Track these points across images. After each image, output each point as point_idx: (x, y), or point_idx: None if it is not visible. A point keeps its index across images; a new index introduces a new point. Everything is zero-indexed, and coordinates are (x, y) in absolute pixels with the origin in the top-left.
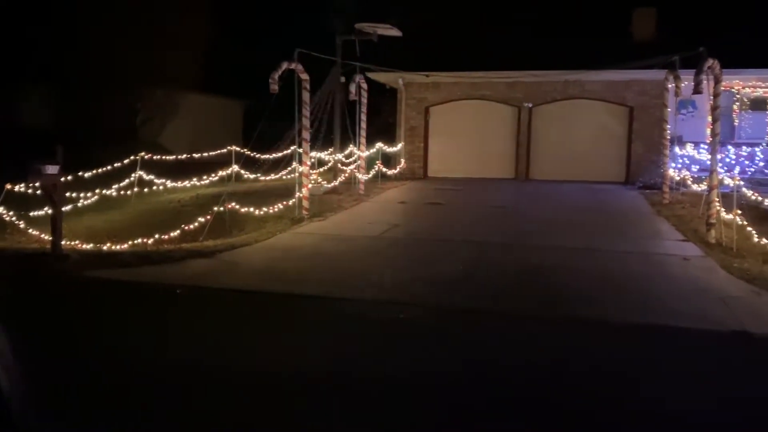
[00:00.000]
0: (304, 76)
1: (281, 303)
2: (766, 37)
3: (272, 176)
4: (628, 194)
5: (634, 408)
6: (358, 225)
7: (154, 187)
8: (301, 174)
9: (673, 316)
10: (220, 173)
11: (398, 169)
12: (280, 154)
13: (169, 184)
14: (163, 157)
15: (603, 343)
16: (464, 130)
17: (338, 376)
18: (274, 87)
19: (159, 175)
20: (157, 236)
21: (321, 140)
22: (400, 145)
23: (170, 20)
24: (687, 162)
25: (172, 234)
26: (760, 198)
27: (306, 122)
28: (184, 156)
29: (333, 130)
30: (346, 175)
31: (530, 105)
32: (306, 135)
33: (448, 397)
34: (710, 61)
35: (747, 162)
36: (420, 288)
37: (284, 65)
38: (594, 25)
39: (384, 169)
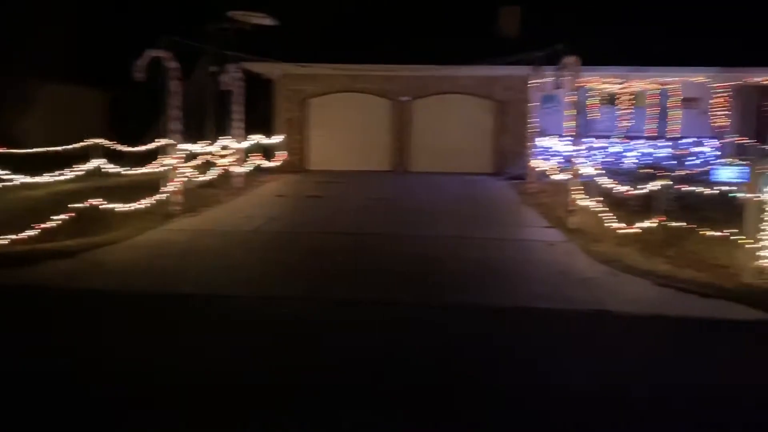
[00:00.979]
0: (172, 65)
1: (149, 303)
2: (617, 37)
3: (141, 170)
4: (498, 185)
5: (509, 383)
6: (233, 220)
7: (7, 183)
8: (171, 167)
9: (540, 298)
10: (83, 167)
11: (277, 162)
12: (149, 147)
13: (25, 179)
14: (16, 150)
15: (479, 327)
16: (344, 122)
17: (210, 376)
18: (139, 76)
19: (15, 171)
20: (12, 236)
21: (194, 132)
22: (279, 138)
23: (24, 2)
24: (550, 153)
25: (28, 233)
26: (612, 186)
27: (175, 113)
28: (42, 149)
29: (206, 122)
30: (222, 168)
31: (407, 99)
32: (175, 126)
33: (337, 391)
34: (569, 59)
35: (602, 152)
36: (299, 282)
37: (150, 53)
38: (464, 23)
39: (262, 162)
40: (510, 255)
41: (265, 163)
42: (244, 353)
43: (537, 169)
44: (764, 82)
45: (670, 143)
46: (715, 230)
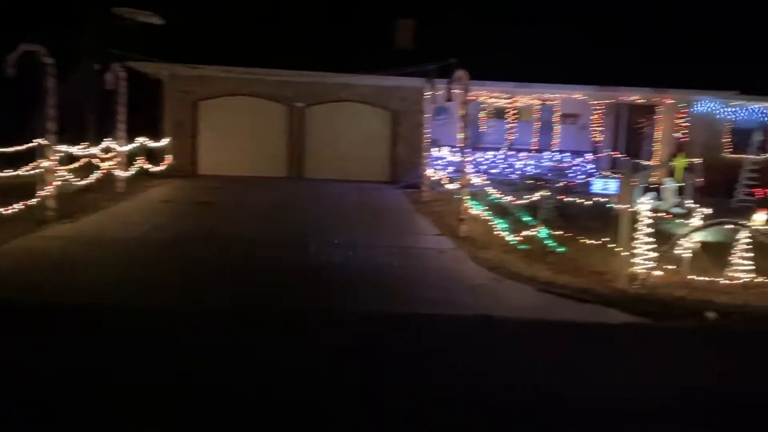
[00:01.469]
0: (48, 60)
1: (16, 314)
2: (505, 55)
3: (12, 173)
4: (392, 193)
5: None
6: (114, 227)
7: None
8: (45, 169)
9: (430, 304)
10: None
11: (164, 166)
12: (22, 148)
13: None
14: None
15: (366, 333)
16: (237, 126)
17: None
18: (10, 71)
19: None
20: None
21: (75, 133)
22: (166, 141)
23: None
24: (443, 163)
25: None
26: (499, 196)
27: (52, 112)
28: None
29: (88, 123)
30: (103, 171)
31: (303, 105)
32: (52, 126)
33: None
34: (460, 72)
35: (491, 163)
36: (182, 291)
37: (23, 48)
38: (360, 33)
39: (147, 166)
40: (401, 262)
41: (152, 167)
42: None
43: (431, 179)
44: (635, 101)
45: (553, 156)
46: (592, 239)
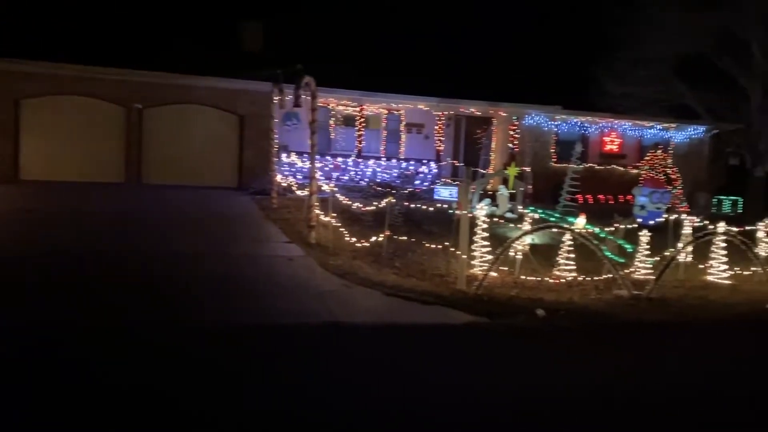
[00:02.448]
0: None
1: None
2: (353, 63)
3: None
4: (240, 200)
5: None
6: None
7: None
8: None
9: (279, 314)
10: None
11: None
12: None
13: None
14: None
15: (210, 346)
16: (67, 128)
17: None
18: None
19: None
20: None
21: None
22: None
23: None
24: (293, 170)
25: None
26: (349, 202)
27: None
28: None
29: None
30: None
31: (140, 106)
32: None
33: None
34: (307, 78)
35: (341, 170)
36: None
37: None
38: (205, 33)
39: None
40: (249, 271)
41: None
42: None
43: (280, 185)
44: (474, 113)
45: (401, 164)
46: (436, 243)
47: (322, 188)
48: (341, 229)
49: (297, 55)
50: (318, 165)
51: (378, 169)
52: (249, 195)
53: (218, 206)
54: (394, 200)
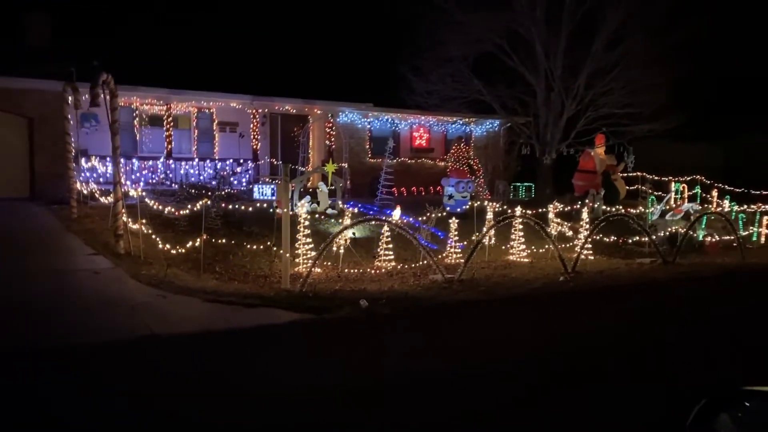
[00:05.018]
0: None
1: None
2: (158, 59)
3: None
4: (34, 211)
5: None
6: None
7: None
8: None
9: (87, 332)
10: None
11: None
12: None
13: None
14: None
15: (7, 375)
16: None
17: None
18: None
19: None
20: None
21: None
22: None
23: None
24: (95, 175)
25: None
26: (161, 207)
27: None
28: None
29: None
30: None
31: None
32: None
33: None
34: (105, 76)
35: (151, 174)
36: None
37: None
38: None
39: None
40: (49, 289)
41: None
42: None
43: (81, 193)
44: (290, 111)
45: (216, 164)
46: (257, 244)
47: (130, 193)
48: (153, 237)
49: (92, 50)
50: (123, 169)
51: (191, 171)
52: (44, 205)
53: (7, 219)
54: (210, 202)
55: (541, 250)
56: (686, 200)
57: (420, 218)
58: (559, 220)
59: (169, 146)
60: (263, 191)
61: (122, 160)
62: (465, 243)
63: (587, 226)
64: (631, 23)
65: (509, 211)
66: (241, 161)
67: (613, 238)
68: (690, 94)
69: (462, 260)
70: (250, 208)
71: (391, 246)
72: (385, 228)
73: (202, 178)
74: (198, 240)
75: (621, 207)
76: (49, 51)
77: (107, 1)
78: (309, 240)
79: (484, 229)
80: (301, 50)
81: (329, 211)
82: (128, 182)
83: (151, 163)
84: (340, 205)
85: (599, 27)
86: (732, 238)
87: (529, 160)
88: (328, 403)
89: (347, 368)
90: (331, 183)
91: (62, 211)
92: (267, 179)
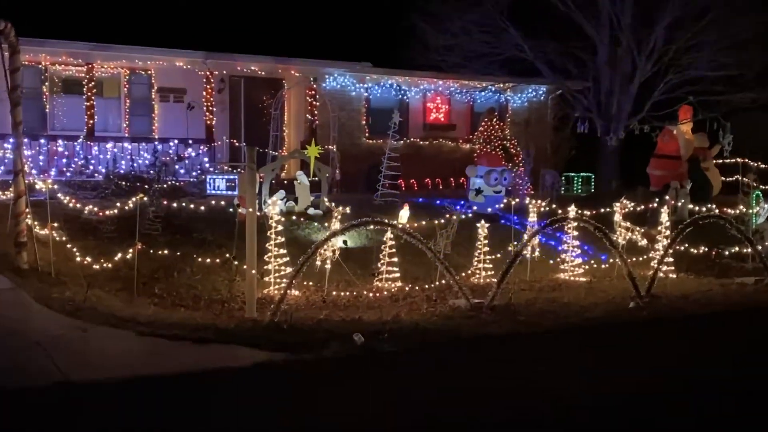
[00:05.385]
0: None
1: None
2: (75, 4)
3: None
4: None
5: None
6: None
7: None
8: None
9: None
10: None
11: None
12: None
13: None
14: None
15: None
16: None
17: None
18: None
19: None
20: None
21: None
22: None
23: None
24: None
25: None
26: (80, 206)
27: None
28: None
29: None
30: None
31: None
32: None
33: None
34: (2, 24)
35: (65, 159)
36: None
37: None
38: None
39: None
40: None
41: None
42: None
43: None
44: (258, 74)
45: (156, 146)
46: (212, 256)
47: (36, 187)
48: (69, 246)
49: None
50: (27, 153)
51: (121, 155)
52: None
53: None
54: (148, 199)
55: (603, 266)
56: None
57: (436, 221)
58: (628, 225)
59: (91, 122)
60: (220, 184)
61: (26, 141)
62: (498, 256)
63: (667, 232)
64: None
65: (559, 212)
66: (191, 142)
67: (703, 249)
68: None
69: (494, 279)
70: (203, 207)
71: (396, 259)
72: (389, 234)
73: (136, 165)
74: (131, 251)
75: (714, 206)
76: None
77: None
78: (283, 251)
79: (525, 237)
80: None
81: (311, 211)
82: (34, 171)
83: (65, 144)
84: (327, 203)
85: None
86: None
87: (587, 141)
88: None
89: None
90: (314, 173)
91: None
92: (226, 167)
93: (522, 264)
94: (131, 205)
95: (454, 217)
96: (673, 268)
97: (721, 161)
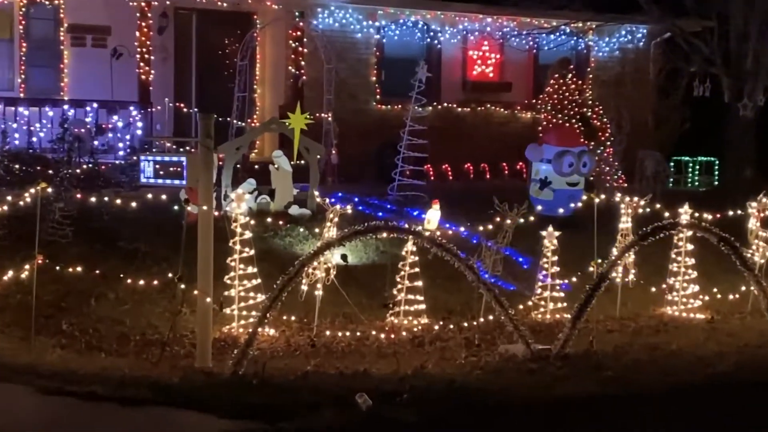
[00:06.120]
0: None
1: None
2: None
3: None
4: None
5: None
6: None
7: None
8: None
9: None
10: None
11: None
12: None
13: None
14: None
15: None
16: None
17: None
18: None
19: None
20: None
21: None
22: None
23: None
24: None
25: None
26: None
27: None
28: None
29: None
30: None
31: None
32: None
33: None
34: None
35: None
36: None
37: None
38: None
39: None
40: None
41: None
42: None
43: None
44: (216, 5)
45: (64, 112)
46: (147, 275)
47: None
48: None
49: None
50: None
51: (13, 125)
52: None
53: None
54: (53, 189)
55: (732, 296)
56: None
57: (480, 227)
58: None
59: None
60: (160, 170)
61: None
62: (574, 280)
63: None
64: None
65: (666, 214)
66: (117, 107)
67: None
68: None
69: (567, 315)
70: (134, 204)
71: (420, 283)
72: (410, 246)
73: (35, 140)
74: (27, 267)
75: None
76: None
77: None
78: (253, 270)
79: (614, 252)
80: None
81: (294, 210)
82: None
83: None
84: (317, 199)
85: None
86: None
87: (708, 109)
88: None
89: None
90: (300, 153)
91: None
92: (169, 144)
93: (609, 292)
94: (28, 200)
95: (508, 220)
96: None
97: None
